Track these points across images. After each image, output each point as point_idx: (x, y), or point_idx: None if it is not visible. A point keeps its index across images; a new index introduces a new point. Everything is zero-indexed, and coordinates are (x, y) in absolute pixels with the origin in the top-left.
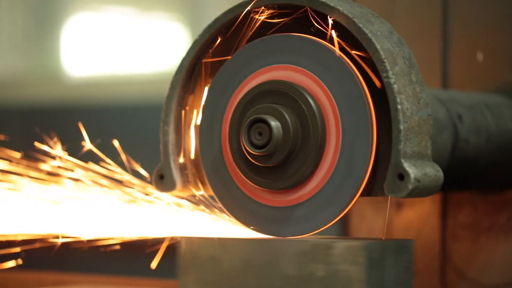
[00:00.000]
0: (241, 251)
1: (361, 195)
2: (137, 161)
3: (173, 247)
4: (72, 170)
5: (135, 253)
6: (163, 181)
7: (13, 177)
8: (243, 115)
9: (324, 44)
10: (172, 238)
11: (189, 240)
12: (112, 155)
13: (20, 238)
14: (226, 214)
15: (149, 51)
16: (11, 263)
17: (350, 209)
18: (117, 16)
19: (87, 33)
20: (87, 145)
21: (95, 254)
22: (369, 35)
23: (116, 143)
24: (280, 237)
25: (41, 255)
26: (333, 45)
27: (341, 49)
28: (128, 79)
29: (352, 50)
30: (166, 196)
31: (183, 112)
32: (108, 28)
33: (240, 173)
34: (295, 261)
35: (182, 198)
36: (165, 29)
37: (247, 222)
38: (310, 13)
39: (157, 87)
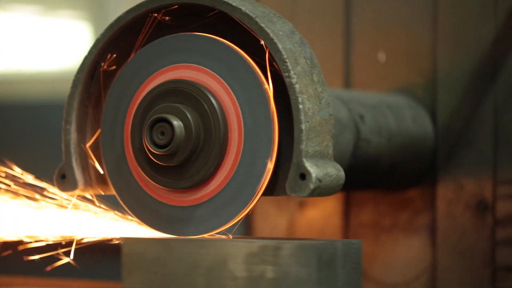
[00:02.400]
0: (188, 252)
1: (263, 194)
2: (41, 159)
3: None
4: None
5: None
6: (64, 181)
7: None
8: (145, 114)
9: (227, 44)
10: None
11: (132, 241)
12: (16, 153)
13: None
14: (128, 213)
15: (54, 49)
16: None
17: (252, 208)
18: (21, 14)
19: None
20: None
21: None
22: (271, 35)
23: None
24: (227, 237)
25: None
26: (236, 44)
27: (244, 48)
28: (32, 77)
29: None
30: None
31: (85, 111)
32: (13, 26)
33: (143, 173)
34: (244, 263)
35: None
36: (70, 27)
37: (149, 222)
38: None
39: (62, 86)
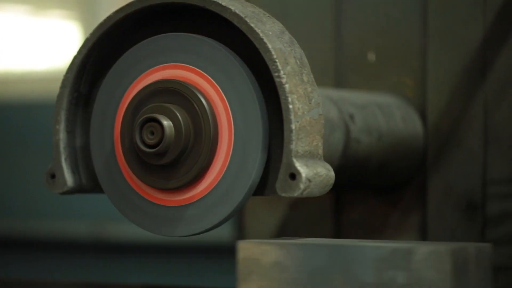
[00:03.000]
0: (310, 257)
1: (253, 194)
2: (32, 159)
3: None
4: None
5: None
6: (54, 181)
7: None
8: (135, 114)
9: (217, 43)
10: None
11: (249, 245)
12: (6, 152)
13: None
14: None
15: (43, 48)
16: None
17: (243, 208)
18: (11, 14)
19: None
20: None
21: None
22: (261, 35)
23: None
24: (353, 242)
25: None
26: (226, 44)
27: (234, 49)
28: (22, 76)
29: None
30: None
31: (75, 110)
32: (3, 26)
33: (132, 173)
34: (373, 268)
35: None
36: (60, 26)
37: (139, 222)
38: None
39: (51, 85)
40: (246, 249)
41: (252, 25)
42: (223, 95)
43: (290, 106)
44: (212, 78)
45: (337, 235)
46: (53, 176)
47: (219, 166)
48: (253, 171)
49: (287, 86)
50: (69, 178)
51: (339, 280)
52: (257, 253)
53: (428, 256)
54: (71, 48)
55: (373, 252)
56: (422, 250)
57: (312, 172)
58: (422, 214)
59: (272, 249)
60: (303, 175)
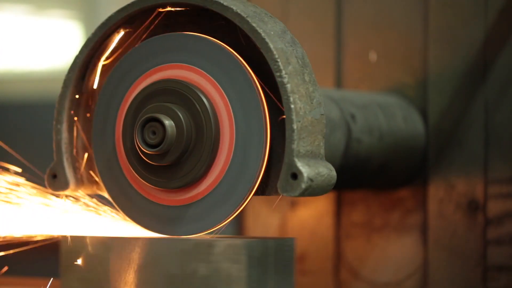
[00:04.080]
0: (124, 250)
1: (254, 194)
2: (32, 159)
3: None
4: None
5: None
6: (55, 180)
7: None
8: (136, 113)
9: (218, 43)
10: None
11: (71, 239)
12: (7, 152)
13: None
14: (120, 213)
15: (45, 48)
16: None
17: (244, 208)
18: (12, 13)
19: None
20: None
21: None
22: (263, 34)
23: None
24: (162, 236)
25: None
26: (227, 44)
27: (235, 48)
28: (23, 76)
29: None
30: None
31: (76, 110)
32: (4, 25)
33: (134, 172)
34: (178, 260)
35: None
36: (61, 26)
37: (140, 221)
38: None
39: (53, 85)
40: (68, 242)
41: (253, 24)
42: (224, 94)
43: (292, 106)
44: (213, 77)
45: (338, 235)
46: (54, 176)
47: (221, 165)
48: (255, 170)
49: (288, 86)
50: (70, 178)
51: (149, 271)
52: (78, 246)
53: (226, 249)
54: (72, 48)
55: (179, 245)
56: (221, 243)
57: (314, 172)
58: (423, 214)
59: (92, 242)
60: (305, 174)
